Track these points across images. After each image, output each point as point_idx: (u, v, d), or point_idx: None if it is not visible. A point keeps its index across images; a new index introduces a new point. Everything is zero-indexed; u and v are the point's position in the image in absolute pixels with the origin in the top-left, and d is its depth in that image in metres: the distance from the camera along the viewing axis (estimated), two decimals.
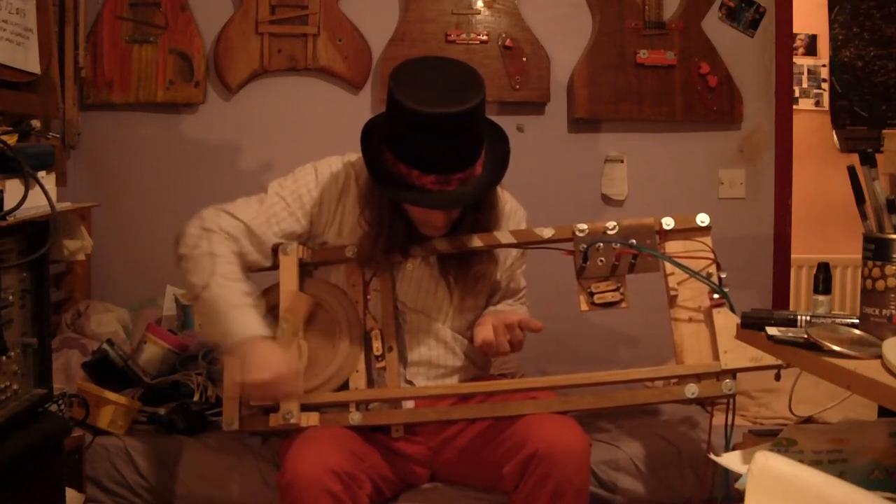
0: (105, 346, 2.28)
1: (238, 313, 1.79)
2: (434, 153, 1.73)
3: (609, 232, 1.89)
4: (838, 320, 1.42)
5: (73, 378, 2.23)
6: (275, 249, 1.91)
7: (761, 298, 3.07)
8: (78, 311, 2.64)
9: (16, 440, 1.55)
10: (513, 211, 2.00)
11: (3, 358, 1.56)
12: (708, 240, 1.90)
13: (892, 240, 1.32)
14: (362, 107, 2.93)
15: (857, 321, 1.38)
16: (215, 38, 2.87)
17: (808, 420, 2.06)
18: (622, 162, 3.05)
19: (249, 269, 1.91)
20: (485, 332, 1.86)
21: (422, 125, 1.70)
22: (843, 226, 4.30)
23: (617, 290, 1.88)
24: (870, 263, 1.34)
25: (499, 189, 1.94)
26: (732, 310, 1.85)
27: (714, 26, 3.01)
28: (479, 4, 2.91)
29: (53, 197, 1.65)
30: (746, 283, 2.99)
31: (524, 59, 2.91)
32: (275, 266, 1.92)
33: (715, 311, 1.85)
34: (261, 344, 1.77)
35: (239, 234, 1.87)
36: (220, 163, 2.93)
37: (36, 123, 1.87)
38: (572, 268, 1.91)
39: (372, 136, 1.84)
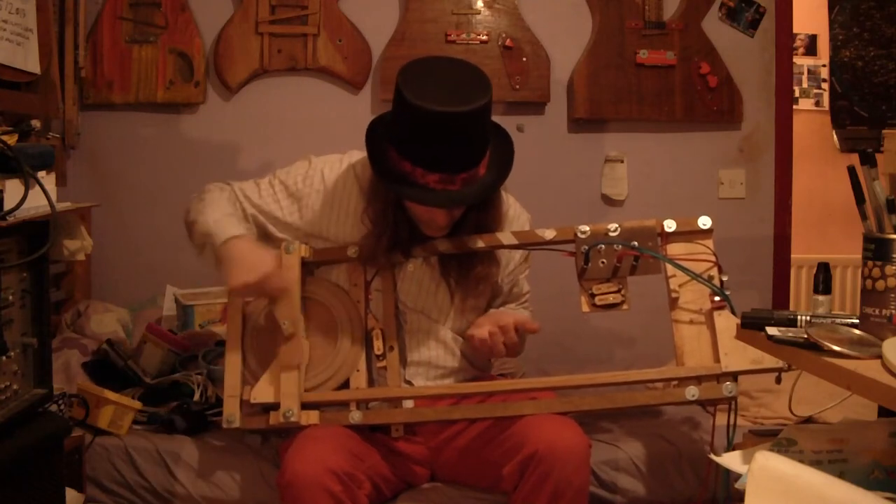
0: (105, 346, 2.28)
1: (219, 224, 1.86)
2: (439, 152, 1.74)
3: (611, 234, 1.89)
4: (838, 320, 1.42)
5: (73, 378, 2.23)
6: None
7: (761, 298, 3.07)
8: (78, 311, 2.64)
9: (16, 440, 1.55)
10: (516, 216, 2.00)
11: (3, 358, 1.55)
12: (710, 242, 1.90)
13: (892, 240, 1.32)
14: (362, 107, 2.94)
15: (857, 321, 1.38)
16: (215, 38, 2.87)
17: (808, 420, 2.06)
18: (622, 162, 3.05)
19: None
20: (480, 332, 1.86)
21: (428, 123, 1.70)
22: (843, 226, 4.30)
23: (618, 291, 1.88)
24: (870, 263, 1.34)
25: (502, 192, 1.94)
26: (733, 312, 1.85)
27: (714, 26, 3.01)
28: (479, 4, 2.91)
29: (53, 197, 1.65)
30: (746, 284, 2.99)
31: (524, 59, 2.91)
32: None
33: (716, 313, 1.85)
34: (240, 244, 1.84)
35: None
36: (220, 163, 2.93)
37: (36, 123, 1.87)
38: (574, 269, 1.91)
39: (376, 134, 1.84)
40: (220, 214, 1.89)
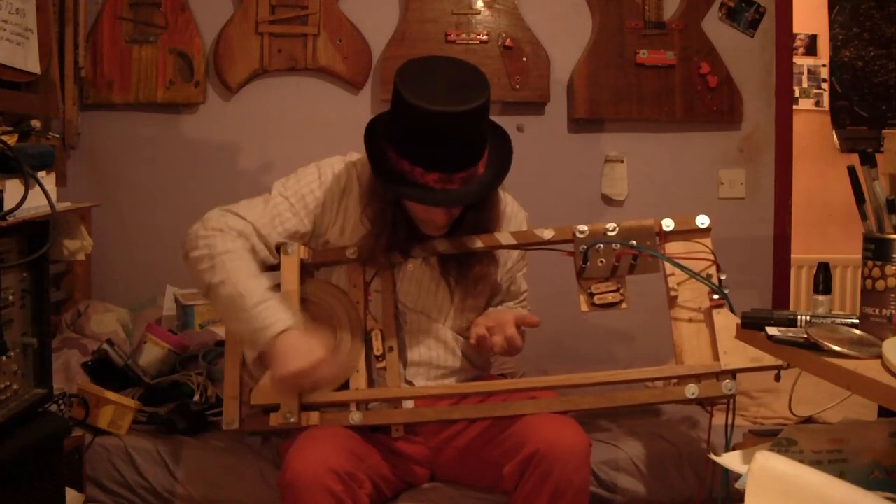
0: (105, 346, 2.28)
1: (265, 308, 1.76)
2: (438, 151, 1.74)
3: (609, 233, 1.89)
4: (838, 320, 1.42)
5: (73, 378, 2.23)
6: (278, 248, 1.91)
7: (761, 298, 3.07)
8: (78, 311, 2.64)
9: (16, 440, 1.55)
10: (514, 214, 2.01)
11: (3, 358, 1.56)
12: (708, 241, 1.90)
13: (892, 240, 1.32)
14: (362, 107, 2.94)
15: (857, 321, 1.38)
16: (215, 38, 2.87)
17: (808, 420, 2.06)
18: (622, 162, 3.05)
19: (260, 265, 1.90)
20: (479, 330, 1.86)
21: (426, 123, 1.70)
22: (843, 226, 4.31)
23: (617, 290, 1.88)
24: (870, 263, 1.34)
25: (500, 191, 1.94)
26: (732, 310, 1.85)
27: (714, 26, 3.01)
28: (479, 4, 2.91)
29: (53, 197, 1.65)
30: (746, 284, 2.99)
31: (524, 59, 2.91)
32: (276, 266, 1.92)
33: (715, 311, 1.85)
34: (292, 335, 1.74)
35: (247, 232, 1.86)
36: (220, 163, 2.93)
37: (36, 123, 1.87)
38: (572, 268, 1.91)
39: (375, 134, 1.84)
40: (260, 296, 1.77)
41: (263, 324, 1.74)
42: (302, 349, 1.72)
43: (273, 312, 1.75)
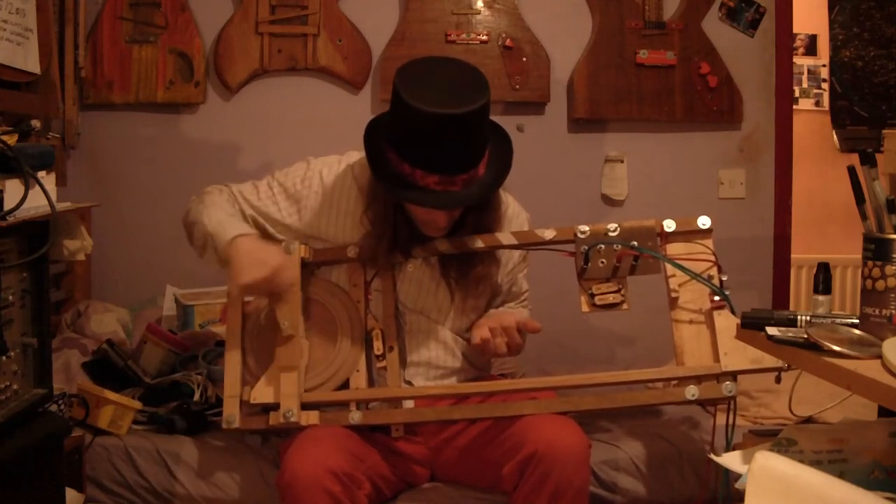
0: (105, 346, 2.28)
1: (226, 224, 1.86)
2: (439, 154, 1.73)
3: (610, 234, 1.89)
4: (838, 320, 1.42)
5: (73, 378, 2.23)
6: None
7: (761, 299, 3.07)
8: (78, 311, 2.64)
9: (16, 440, 1.55)
10: (515, 215, 2.00)
11: (3, 358, 1.55)
12: (709, 242, 1.90)
13: (892, 240, 1.32)
14: (362, 107, 2.94)
15: (857, 321, 1.38)
16: (215, 38, 2.87)
17: (808, 420, 2.06)
18: (622, 162, 3.05)
19: None
20: (482, 332, 1.86)
21: (427, 125, 1.70)
22: (843, 226, 4.31)
23: (618, 291, 1.88)
24: (870, 263, 1.34)
25: (501, 192, 1.94)
26: (733, 312, 1.85)
27: (714, 26, 3.01)
28: (479, 4, 2.91)
29: (53, 197, 1.65)
30: (746, 284, 2.99)
31: (524, 59, 2.91)
32: None
33: (716, 313, 1.85)
34: (248, 241, 1.83)
35: (234, 197, 1.98)
36: (220, 163, 2.93)
37: (36, 123, 1.87)
38: (573, 269, 1.91)
39: (375, 135, 1.84)
40: (223, 215, 1.89)
41: (222, 236, 1.83)
42: (257, 256, 1.81)
43: (229, 226, 1.85)
